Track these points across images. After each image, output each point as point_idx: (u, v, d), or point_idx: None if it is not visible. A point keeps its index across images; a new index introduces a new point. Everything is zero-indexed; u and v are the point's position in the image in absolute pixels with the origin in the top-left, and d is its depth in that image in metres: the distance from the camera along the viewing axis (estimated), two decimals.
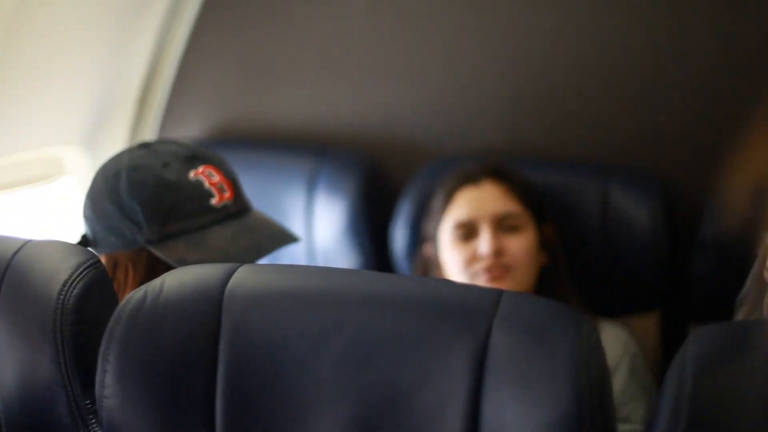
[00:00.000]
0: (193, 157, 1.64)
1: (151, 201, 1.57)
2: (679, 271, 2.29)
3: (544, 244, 2.12)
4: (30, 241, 1.40)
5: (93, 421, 1.31)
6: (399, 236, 2.35)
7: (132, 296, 1.24)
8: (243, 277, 1.25)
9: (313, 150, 2.47)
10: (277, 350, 1.20)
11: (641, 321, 2.29)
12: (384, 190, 2.49)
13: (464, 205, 2.08)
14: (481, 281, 2.01)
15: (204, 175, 1.63)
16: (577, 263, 2.22)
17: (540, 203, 2.13)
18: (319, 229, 2.43)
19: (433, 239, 2.13)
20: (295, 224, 2.41)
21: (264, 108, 2.59)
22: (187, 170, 1.61)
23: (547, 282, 2.09)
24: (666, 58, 2.38)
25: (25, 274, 1.34)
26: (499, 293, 1.20)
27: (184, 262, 1.48)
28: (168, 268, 1.50)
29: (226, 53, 2.68)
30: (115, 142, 2.50)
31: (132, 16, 2.40)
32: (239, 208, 1.66)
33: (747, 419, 1.08)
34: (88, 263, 1.34)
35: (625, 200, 2.27)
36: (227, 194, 1.64)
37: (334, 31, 2.60)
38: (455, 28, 2.51)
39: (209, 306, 1.22)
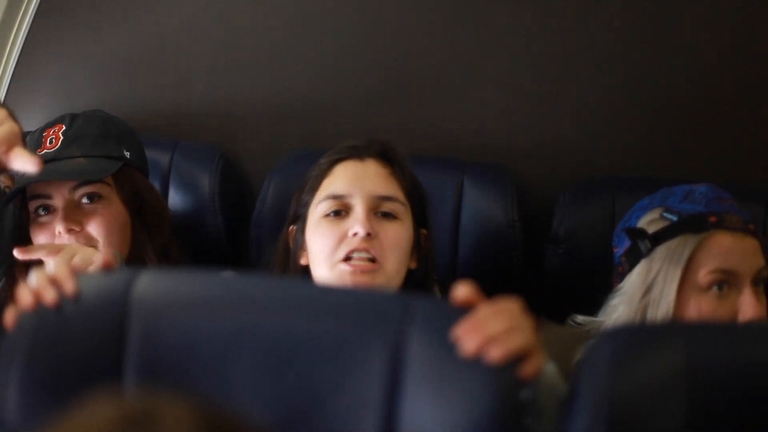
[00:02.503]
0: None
1: None
2: (530, 265, 2.34)
3: (417, 247, 1.91)
4: None
5: None
6: (256, 231, 2.32)
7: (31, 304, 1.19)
8: (149, 283, 1.22)
9: (167, 143, 2.41)
10: (188, 358, 1.18)
11: None
12: (241, 185, 2.46)
13: (342, 178, 1.88)
14: (347, 268, 1.78)
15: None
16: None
17: (423, 205, 1.96)
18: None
19: (300, 218, 1.93)
20: None
21: (111, 98, 2.51)
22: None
23: (413, 287, 1.89)
24: (516, 60, 2.46)
25: None
26: (409, 298, 1.21)
27: None
28: None
29: (68, 42, 2.61)
30: None
31: None
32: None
33: (663, 415, 1.12)
34: None
35: (479, 194, 2.31)
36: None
37: (184, 16, 2.55)
38: (314, 17, 2.52)
39: (114, 312, 1.20)
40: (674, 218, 1.82)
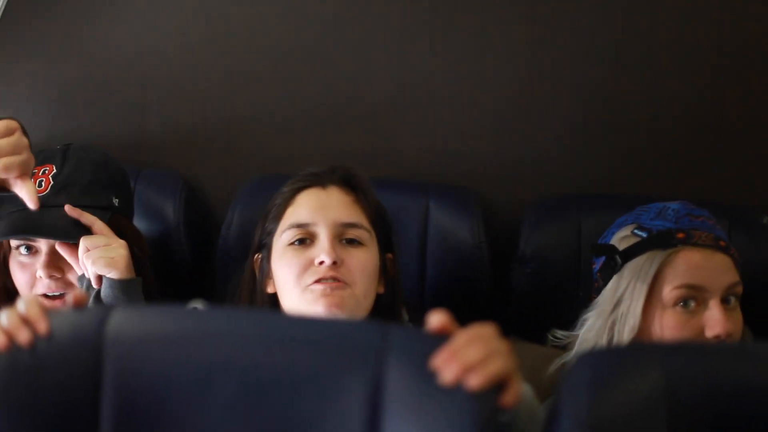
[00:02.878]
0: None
1: None
2: (498, 286, 2.35)
3: (383, 272, 1.92)
4: None
5: None
6: (222, 258, 2.31)
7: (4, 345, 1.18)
8: (122, 319, 1.22)
9: (129, 171, 2.37)
10: (163, 394, 1.18)
11: None
12: (204, 212, 2.45)
13: (305, 206, 1.89)
14: (315, 295, 1.78)
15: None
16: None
17: (388, 229, 1.96)
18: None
19: (265, 247, 1.94)
20: None
21: (72, 129, 2.50)
22: None
23: (381, 312, 1.89)
24: (475, 81, 2.47)
25: None
26: (386, 329, 1.20)
27: None
28: None
29: (24, 70, 2.56)
30: None
31: None
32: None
33: None
34: None
35: (445, 216, 2.31)
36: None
37: (139, 41, 2.53)
38: (273, 40, 2.51)
39: (88, 351, 1.19)
40: (644, 235, 1.84)
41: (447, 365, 1.16)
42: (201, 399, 1.17)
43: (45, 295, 1.94)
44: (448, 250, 2.29)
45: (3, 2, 2.46)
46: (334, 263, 1.80)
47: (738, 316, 1.80)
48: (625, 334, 1.80)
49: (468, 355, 1.17)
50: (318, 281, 1.80)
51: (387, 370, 1.16)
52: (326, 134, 2.50)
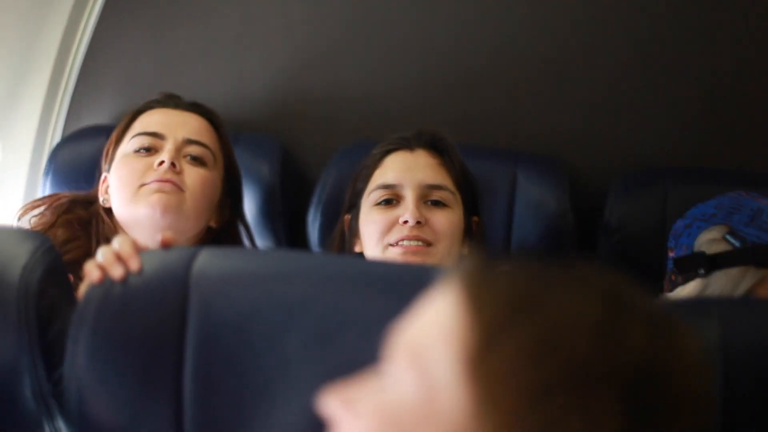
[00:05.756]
0: None
1: None
2: (583, 256, 2.36)
3: (469, 234, 1.95)
4: None
5: (55, 405, 1.32)
6: (315, 221, 2.38)
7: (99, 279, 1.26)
8: (208, 260, 1.28)
9: (229, 135, 2.47)
10: (244, 331, 1.23)
11: None
12: (300, 175, 2.52)
13: (393, 168, 1.94)
14: (398, 250, 1.84)
15: None
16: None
17: (474, 193, 2.00)
18: None
19: (355, 206, 1.98)
20: None
21: (176, 92, 2.58)
22: None
23: None
24: (569, 52, 2.50)
25: None
26: (458, 273, 1.25)
27: None
28: None
29: (135, 37, 2.67)
30: (25, 132, 2.48)
31: (40, 3, 2.39)
32: None
33: None
34: (44, 247, 1.35)
35: (533, 185, 2.34)
36: None
37: (244, 12, 2.62)
38: (370, 10, 2.58)
39: (176, 288, 1.25)
40: (737, 244, 1.73)
41: None
42: (279, 337, 1.22)
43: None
44: (535, 218, 2.32)
45: None
46: (418, 223, 1.85)
47: None
48: None
49: None
50: (401, 240, 1.85)
51: None
52: (418, 101, 2.56)
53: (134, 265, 1.28)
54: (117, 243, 1.30)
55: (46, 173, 2.43)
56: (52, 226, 1.94)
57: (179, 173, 1.91)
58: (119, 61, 2.68)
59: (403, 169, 1.93)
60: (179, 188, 1.90)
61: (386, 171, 1.95)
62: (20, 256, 1.33)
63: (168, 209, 1.87)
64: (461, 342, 0.82)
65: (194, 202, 1.92)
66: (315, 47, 2.60)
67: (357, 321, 1.21)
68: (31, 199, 2.16)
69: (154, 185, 1.88)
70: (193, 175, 1.93)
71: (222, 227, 2.02)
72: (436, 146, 1.97)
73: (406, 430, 0.84)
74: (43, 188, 2.41)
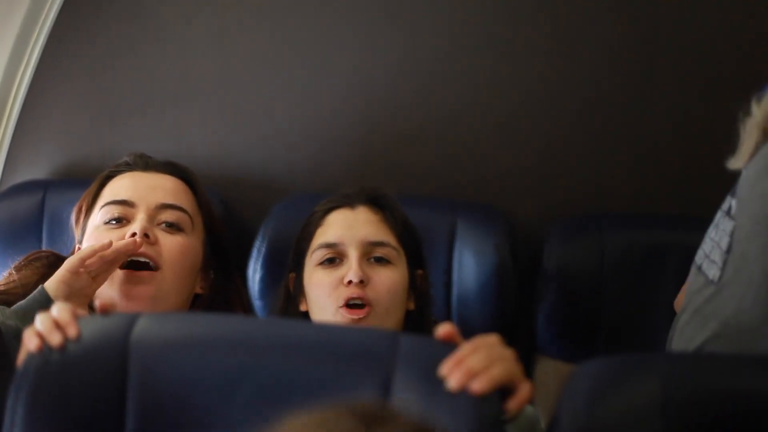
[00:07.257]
0: None
1: None
2: (523, 303, 2.39)
3: (413, 288, 1.95)
4: None
5: None
6: (255, 273, 2.37)
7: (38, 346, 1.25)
8: (148, 325, 1.27)
9: None
10: (186, 397, 1.23)
11: None
12: (240, 229, 2.51)
13: (334, 226, 1.92)
14: (342, 313, 1.83)
15: None
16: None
17: (417, 246, 1.99)
18: None
19: (298, 267, 1.97)
20: None
21: (114, 146, 2.57)
22: None
23: (412, 328, 1.92)
24: (506, 101, 2.54)
25: None
26: (396, 336, 1.26)
27: None
28: None
29: (72, 90, 2.66)
30: None
31: None
32: None
33: None
34: None
35: (473, 234, 2.36)
36: None
37: (183, 66, 2.62)
38: (307, 65, 2.59)
39: (115, 355, 1.25)
40: None
41: (452, 372, 1.21)
42: (222, 402, 1.22)
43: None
44: (476, 266, 2.33)
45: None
46: (361, 282, 1.85)
47: None
48: None
49: (472, 361, 1.22)
50: (347, 300, 1.84)
51: (396, 378, 1.20)
52: (355, 152, 2.57)
53: (72, 331, 1.27)
54: (55, 310, 1.29)
55: None
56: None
57: (153, 244, 1.83)
58: (56, 115, 2.66)
59: (345, 227, 1.92)
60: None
61: (328, 229, 1.94)
62: None
63: (142, 300, 1.80)
64: None
65: (173, 275, 1.84)
66: (251, 101, 2.61)
67: (301, 386, 1.22)
68: None
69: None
70: (169, 245, 1.84)
71: (213, 292, 1.96)
72: (377, 202, 1.97)
73: None
74: None
